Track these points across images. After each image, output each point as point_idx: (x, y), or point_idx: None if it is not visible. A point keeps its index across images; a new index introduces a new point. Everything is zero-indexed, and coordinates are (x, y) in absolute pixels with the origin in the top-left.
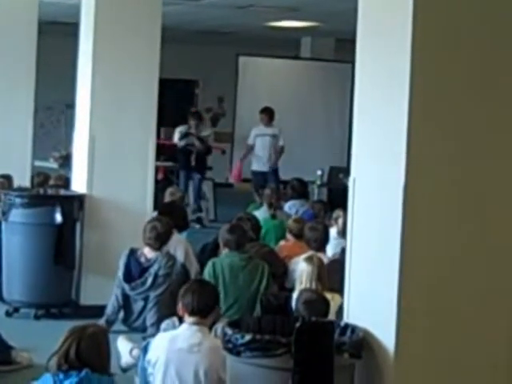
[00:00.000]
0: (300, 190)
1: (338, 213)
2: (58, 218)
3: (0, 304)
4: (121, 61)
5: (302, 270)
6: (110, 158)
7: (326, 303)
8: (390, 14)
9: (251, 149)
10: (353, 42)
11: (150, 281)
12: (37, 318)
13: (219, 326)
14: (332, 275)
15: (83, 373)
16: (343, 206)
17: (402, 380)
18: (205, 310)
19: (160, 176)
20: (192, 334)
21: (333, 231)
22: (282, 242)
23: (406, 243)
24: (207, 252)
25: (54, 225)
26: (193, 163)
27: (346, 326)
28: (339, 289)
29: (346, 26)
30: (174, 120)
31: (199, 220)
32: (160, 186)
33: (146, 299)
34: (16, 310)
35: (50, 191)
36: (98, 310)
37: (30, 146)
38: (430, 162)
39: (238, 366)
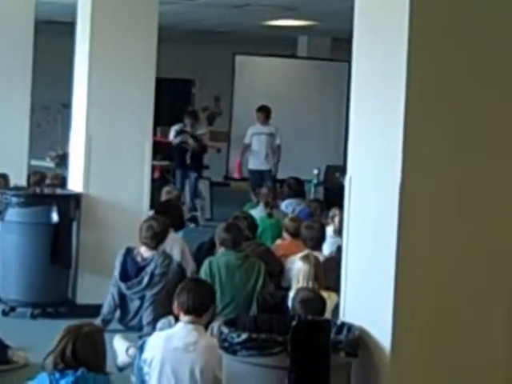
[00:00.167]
0: (296, 188)
1: (334, 211)
2: (55, 217)
3: None
4: (117, 60)
5: (298, 268)
6: (107, 158)
7: (323, 302)
8: (387, 13)
9: (248, 147)
10: (349, 40)
11: (146, 280)
12: (33, 317)
13: (215, 325)
14: (327, 273)
15: (79, 372)
16: (339, 204)
17: (399, 378)
18: (200, 309)
19: (156, 175)
20: (188, 332)
21: (329, 230)
22: (279, 241)
23: (403, 242)
24: (203, 251)
25: (50, 224)
26: (188, 161)
27: (343, 324)
28: (335, 287)
29: (342, 25)
30: (170, 119)
31: (194, 219)
32: (156, 185)
33: (142, 298)
34: (12, 309)
35: (46, 190)
36: (95, 309)
37: (26, 146)
38: (426, 161)
39: (234, 365)
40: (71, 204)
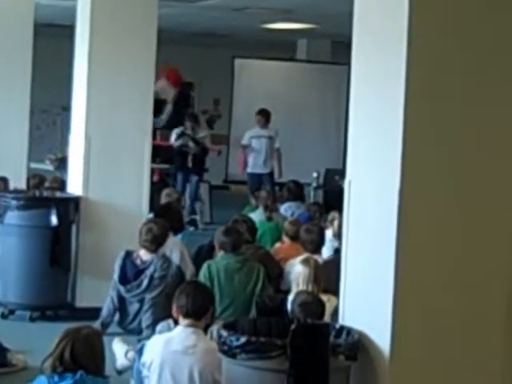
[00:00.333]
0: (296, 192)
1: (333, 215)
2: (54, 220)
3: None
4: (117, 63)
5: (298, 272)
6: (106, 161)
7: (322, 305)
8: (386, 16)
9: (246, 147)
10: (349, 44)
11: (145, 283)
12: (32, 320)
13: (214, 328)
14: (326, 276)
15: (78, 375)
16: (339, 208)
17: (398, 382)
18: (199, 312)
19: (156, 178)
20: (187, 336)
21: (328, 233)
22: (278, 244)
23: (402, 245)
24: (203, 254)
25: (49, 227)
26: (190, 165)
27: (342, 328)
28: (333, 290)
29: (342, 29)
30: (170, 122)
31: (193, 222)
32: (156, 188)
33: (141, 301)
34: (11, 312)
35: (45, 193)
36: (94, 312)
37: (25, 149)
38: (425, 164)
39: (234, 368)
40: (70, 207)
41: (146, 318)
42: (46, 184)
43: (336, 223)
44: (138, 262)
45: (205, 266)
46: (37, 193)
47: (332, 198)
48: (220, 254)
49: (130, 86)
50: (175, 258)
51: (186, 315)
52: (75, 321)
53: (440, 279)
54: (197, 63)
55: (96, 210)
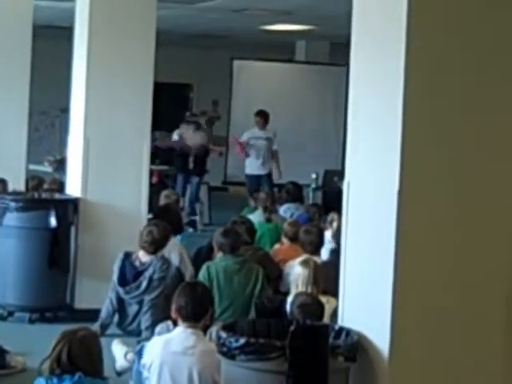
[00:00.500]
0: (295, 193)
1: (332, 216)
2: (53, 221)
3: None
4: (115, 65)
5: (298, 273)
6: (105, 162)
7: (321, 307)
8: (385, 18)
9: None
10: (347, 45)
11: (144, 284)
12: (31, 321)
13: (214, 330)
14: (324, 277)
15: (76, 377)
16: (338, 209)
17: (397, 383)
18: (198, 313)
19: (154, 180)
20: (186, 336)
21: (327, 234)
22: (277, 246)
23: (401, 246)
24: (202, 255)
25: (48, 229)
26: (191, 166)
27: (341, 329)
28: (330, 290)
29: (340, 30)
30: (168, 124)
31: (193, 223)
32: (155, 190)
33: (140, 303)
34: (10, 313)
35: (44, 195)
36: (93, 314)
37: (24, 150)
38: (424, 165)
39: (233, 370)
40: (69, 209)
41: (145, 320)
42: (45, 186)
43: (335, 224)
44: (137, 263)
45: (204, 268)
46: (36, 194)
47: (331, 199)
48: (219, 255)
49: (128, 87)
50: (174, 260)
51: (185, 316)
52: (74, 322)
53: (439, 280)
54: (195, 65)
55: (95, 212)
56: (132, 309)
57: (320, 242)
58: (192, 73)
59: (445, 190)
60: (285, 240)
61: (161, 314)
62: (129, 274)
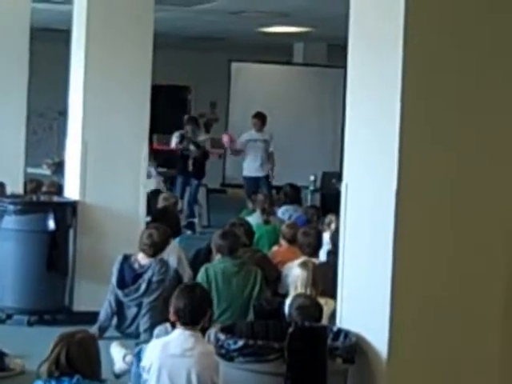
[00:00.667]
0: (293, 195)
1: (330, 218)
2: (51, 224)
3: None
4: (113, 67)
5: (296, 275)
6: (103, 165)
7: (320, 309)
8: (382, 20)
9: (240, 151)
10: (345, 47)
11: (143, 287)
12: (30, 324)
13: (212, 332)
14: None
15: (75, 379)
16: (336, 211)
17: None
18: (196, 316)
19: None
20: (185, 339)
21: (326, 236)
22: (275, 248)
23: (399, 248)
24: (200, 257)
25: (46, 231)
26: (190, 168)
27: (339, 330)
28: (327, 292)
29: (338, 32)
30: (166, 126)
31: (191, 226)
32: (153, 192)
33: (139, 305)
34: (9, 316)
35: (42, 198)
36: (92, 317)
37: (22, 153)
38: (422, 167)
39: (231, 372)
40: (68, 211)
41: (143, 322)
42: (43, 188)
43: (333, 226)
44: (136, 266)
45: (202, 270)
46: (34, 197)
47: (329, 201)
48: (217, 257)
49: (126, 90)
50: (172, 262)
51: (184, 318)
52: (73, 325)
53: (437, 281)
54: (193, 67)
55: (93, 215)
56: (131, 311)
57: (318, 244)
58: (190, 75)
59: (442, 191)
60: (283, 242)
61: (159, 317)
62: (128, 276)
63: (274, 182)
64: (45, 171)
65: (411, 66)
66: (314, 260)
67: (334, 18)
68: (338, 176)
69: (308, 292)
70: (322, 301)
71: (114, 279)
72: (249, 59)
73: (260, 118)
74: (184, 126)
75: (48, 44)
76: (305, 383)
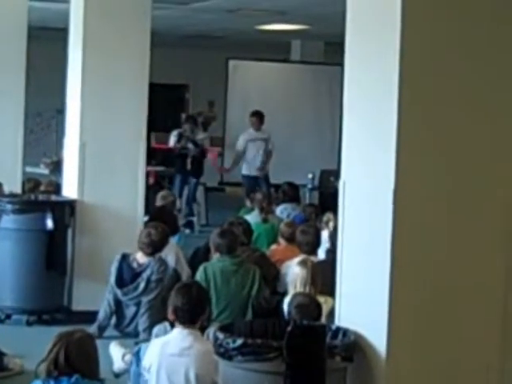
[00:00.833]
0: (291, 193)
1: (328, 216)
2: (50, 223)
3: None
4: (110, 66)
5: (295, 273)
6: (101, 164)
7: (319, 307)
8: (379, 17)
9: (242, 155)
10: (342, 44)
11: (142, 286)
12: (29, 324)
13: (211, 331)
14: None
15: (73, 378)
16: (334, 209)
17: (393, 383)
18: (195, 314)
19: (151, 181)
20: (183, 338)
21: (324, 234)
22: (274, 246)
23: (397, 246)
24: (199, 256)
25: (45, 231)
26: (188, 167)
27: (338, 329)
28: (325, 290)
29: (335, 29)
30: (164, 125)
31: (190, 224)
32: (151, 191)
33: (138, 304)
34: (8, 316)
35: (40, 197)
36: (90, 316)
37: (20, 152)
38: (419, 165)
39: (230, 371)
40: (66, 211)
41: (142, 321)
42: (42, 188)
43: (331, 224)
44: (135, 264)
45: (201, 269)
46: (32, 196)
47: (327, 199)
48: (216, 256)
49: (123, 88)
50: (170, 261)
51: (182, 317)
52: (72, 324)
53: (435, 279)
54: (191, 65)
55: (91, 214)
56: (130, 310)
57: (317, 242)
58: (187, 73)
59: (440, 189)
60: (281, 240)
61: (158, 316)
62: (126, 275)
63: (273, 180)
64: (43, 170)
65: (408, 64)
66: (313, 258)
67: (331, 15)
68: (336, 174)
69: (307, 290)
70: (321, 299)
71: (112, 278)
72: (246, 57)
73: (258, 117)
74: (182, 124)
75: (45, 42)
76: (304, 381)
